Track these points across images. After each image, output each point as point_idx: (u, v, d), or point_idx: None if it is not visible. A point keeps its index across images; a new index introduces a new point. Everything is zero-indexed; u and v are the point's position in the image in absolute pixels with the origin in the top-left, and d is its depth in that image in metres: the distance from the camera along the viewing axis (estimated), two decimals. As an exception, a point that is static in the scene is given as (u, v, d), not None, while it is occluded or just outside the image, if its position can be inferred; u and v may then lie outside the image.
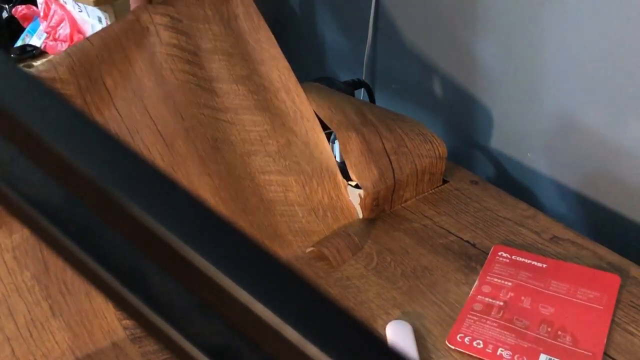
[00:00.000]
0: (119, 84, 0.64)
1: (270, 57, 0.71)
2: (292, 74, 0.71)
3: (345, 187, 0.69)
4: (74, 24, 1.07)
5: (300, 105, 0.71)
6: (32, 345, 0.53)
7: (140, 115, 0.64)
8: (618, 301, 0.57)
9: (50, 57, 0.64)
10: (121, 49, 0.64)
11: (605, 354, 0.52)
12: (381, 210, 0.69)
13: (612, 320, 0.55)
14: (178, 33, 0.67)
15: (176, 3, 0.68)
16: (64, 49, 1.07)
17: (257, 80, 0.70)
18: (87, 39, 0.64)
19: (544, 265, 0.61)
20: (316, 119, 0.70)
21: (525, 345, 0.53)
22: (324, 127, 0.73)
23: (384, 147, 0.69)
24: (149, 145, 0.63)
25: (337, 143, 0.71)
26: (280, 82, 0.71)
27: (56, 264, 0.56)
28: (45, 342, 0.54)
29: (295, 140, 0.69)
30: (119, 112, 0.63)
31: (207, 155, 0.65)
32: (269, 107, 0.69)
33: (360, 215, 0.68)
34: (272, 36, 0.72)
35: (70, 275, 0.56)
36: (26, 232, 0.56)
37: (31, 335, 0.54)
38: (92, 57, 0.63)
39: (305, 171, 0.69)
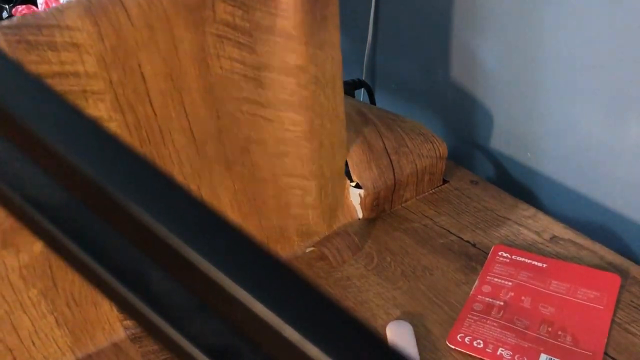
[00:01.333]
0: (159, 73, 0.54)
1: (329, 42, 0.62)
2: (341, 67, 0.64)
3: (348, 188, 0.68)
4: (74, 24, 1.07)
5: (339, 104, 0.65)
6: (33, 352, 0.53)
7: (176, 113, 0.56)
8: (618, 301, 0.57)
9: (69, 23, 0.49)
10: (168, 28, 0.53)
11: (605, 353, 0.52)
12: (381, 210, 0.69)
13: (612, 320, 0.55)
14: (235, 6, 0.56)
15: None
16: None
17: (312, 70, 0.61)
18: (127, 13, 0.51)
19: (544, 265, 0.61)
20: (345, 118, 0.66)
21: (526, 345, 0.53)
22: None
23: (385, 147, 0.69)
24: (180, 149, 0.57)
25: (337, 143, 0.71)
26: (330, 74, 0.64)
27: (65, 278, 0.54)
28: (47, 347, 0.54)
29: (326, 143, 0.65)
30: (153, 109, 0.55)
31: (234, 158, 0.61)
32: (314, 106, 0.62)
33: (360, 215, 0.68)
34: (338, 16, 0.62)
35: (78, 288, 0.55)
36: (35, 249, 0.53)
37: (34, 344, 0.53)
38: (130, 41, 0.52)
39: (326, 176, 0.66)
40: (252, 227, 0.63)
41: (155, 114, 0.55)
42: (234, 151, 0.60)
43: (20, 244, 0.52)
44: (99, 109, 0.52)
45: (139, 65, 0.53)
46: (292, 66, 0.60)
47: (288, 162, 0.63)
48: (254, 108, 0.60)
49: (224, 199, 0.61)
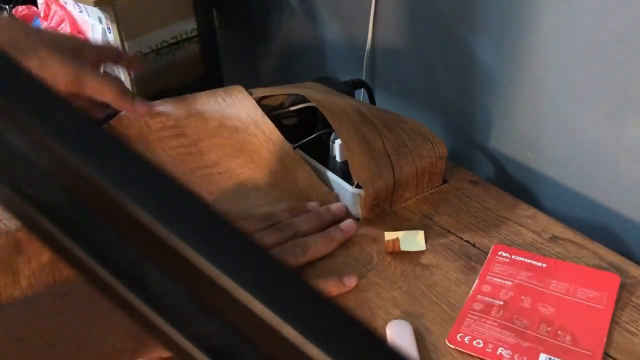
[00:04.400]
0: None
1: (238, 100, 0.78)
2: (258, 109, 0.77)
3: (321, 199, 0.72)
4: (74, 24, 1.07)
5: (270, 134, 0.75)
6: None
7: None
8: (618, 301, 0.57)
9: None
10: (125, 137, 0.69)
11: (605, 353, 0.52)
12: (381, 210, 0.69)
13: (612, 320, 0.55)
14: (160, 116, 0.75)
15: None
16: (64, 49, 1.07)
17: (229, 123, 0.76)
18: None
19: (544, 265, 0.61)
20: (286, 143, 0.74)
21: (525, 345, 0.53)
22: (325, 126, 0.74)
23: (385, 147, 0.69)
24: None
25: (337, 143, 0.71)
26: (249, 118, 0.76)
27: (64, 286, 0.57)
28: None
29: (276, 168, 0.73)
30: None
31: None
32: (245, 145, 0.75)
33: (360, 216, 0.68)
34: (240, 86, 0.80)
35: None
36: (43, 259, 0.56)
37: None
38: None
39: (294, 193, 0.71)
40: None
41: None
42: None
43: (31, 252, 0.55)
44: None
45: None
46: (213, 128, 0.76)
47: (252, 198, 0.70)
48: (206, 170, 0.74)
49: None
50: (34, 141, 0.18)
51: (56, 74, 0.54)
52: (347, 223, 0.66)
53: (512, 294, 0.58)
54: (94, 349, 0.43)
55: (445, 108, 0.90)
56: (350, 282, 0.60)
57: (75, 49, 0.61)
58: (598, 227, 0.73)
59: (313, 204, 0.68)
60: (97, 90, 0.59)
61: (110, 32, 1.00)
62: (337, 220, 0.67)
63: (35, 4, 1.18)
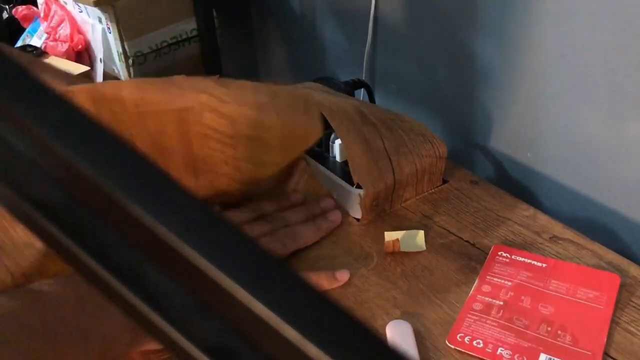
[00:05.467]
0: (147, 145, 0.60)
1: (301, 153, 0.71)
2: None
3: None
4: (74, 24, 1.07)
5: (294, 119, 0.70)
6: None
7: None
8: (618, 301, 0.57)
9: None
10: (157, 118, 0.60)
11: (605, 353, 0.52)
12: (381, 210, 0.69)
13: (612, 320, 0.55)
14: (222, 117, 0.61)
15: (229, 84, 0.64)
16: (64, 49, 1.07)
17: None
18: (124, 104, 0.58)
19: (544, 265, 0.61)
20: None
21: (525, 345, 0.53)
22: (326, 126, 0.73)
23: (385, 147, 0.69)
24: None
25: (337, 142, 0.71)
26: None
27: None
28: None
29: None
30: None
31: None
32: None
33: (360, 216, 0.68)
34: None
35: None
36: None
37: None
38: (124, 118, 0.57)
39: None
40: None
41: None
42: None
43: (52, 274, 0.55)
44: None
45: (131, 134, 0.58)
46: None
47: None
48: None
49: None
50: (33, 141, 0.18)
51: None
52: (334, 213, 0.68)
53: (512, 294, 0.58)
54: (96, 338, 0.44)
55: (445, 108, 0.90)
56: (343, 276, 0.61)
57: None
58: (598, 227, 0.73)
59: (297, 196, 0.70)
60: None
61: (110, 32, 1.00)
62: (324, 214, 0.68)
63: (35, 4, 1.18)
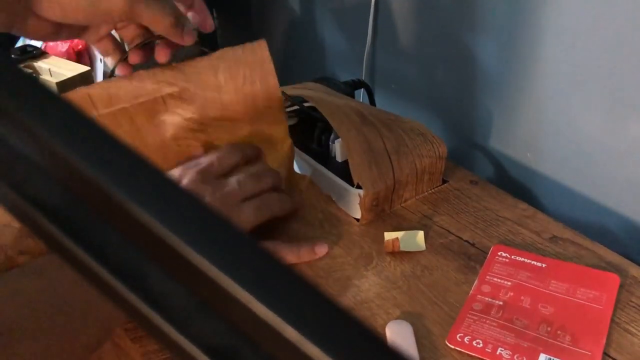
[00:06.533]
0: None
1: (275, 121, 0.68)
2: (288, 136, 0.69)
3: None
4: (74, 24, 1.06)
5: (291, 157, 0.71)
6: None
7: None
8: (618, 301, 0.57)
9: None
10: (129, 117, 0.61)
11: (604, 353, 0.52)
12: (381, 210, 0.69)
13: (612, 320, 0.55)
14: (186, 103, 0.63)
15: (186, 69, 0.63)
16: (64, 49, 1.07)
17: (260, 135, 0.67)
18: (94, 104, 0.59)
19: (544, 265, 0.61)
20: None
21: (525, 345, 0.53)
22: (325, 126, 0.74)
23: (385, 147, 0.69)
24: None
25: (336, 142, 0.71)
26: (278, 137, 0.69)
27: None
28: None
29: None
30: None
31: None
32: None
33: (359, 216, 0.68)
34: (282, 101, 0.68)
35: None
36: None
37: None
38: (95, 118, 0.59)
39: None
40: None
41: None
42: None
43: (34, 252, 0.55)
44: None
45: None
46: (239, 137, 0.67)
47: None
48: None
49: None
50: (34, 141, 0.18)
51: (112, 2, 0.54)
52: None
53: (511, 294, 0.58)
54: (94, 313, 0.46)
55: (445, 108, 0.90)
56: (321, 250, 0.63)
57: None
58: (598, 227, 0.73)
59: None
60: (151, 20, 0.57)
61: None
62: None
63: (35, 4, 1.17)
